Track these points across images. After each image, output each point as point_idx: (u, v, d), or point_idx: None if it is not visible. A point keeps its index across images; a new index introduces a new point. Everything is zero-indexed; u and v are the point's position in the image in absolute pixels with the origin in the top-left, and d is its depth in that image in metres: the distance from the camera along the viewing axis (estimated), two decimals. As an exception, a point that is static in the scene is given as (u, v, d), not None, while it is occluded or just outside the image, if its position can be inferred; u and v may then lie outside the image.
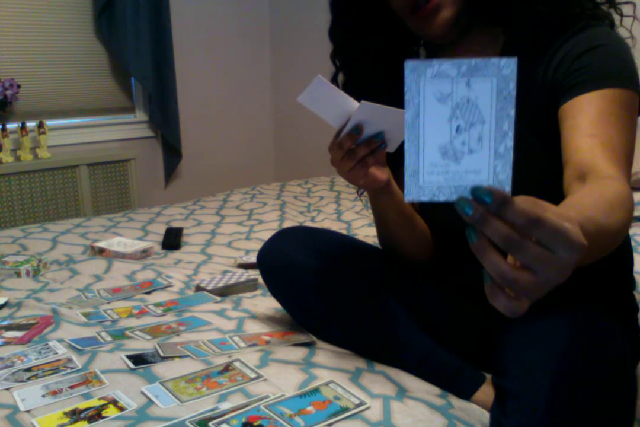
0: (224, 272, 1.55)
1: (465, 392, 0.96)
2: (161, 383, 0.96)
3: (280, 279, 1.11)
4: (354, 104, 0.86)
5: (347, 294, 1.05)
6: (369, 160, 0.89)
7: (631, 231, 1.37)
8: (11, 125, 2.83)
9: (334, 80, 1.07)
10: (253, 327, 1.20)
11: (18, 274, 1.56)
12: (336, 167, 0.91)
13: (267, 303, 1.34)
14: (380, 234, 1.11)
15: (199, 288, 1.44)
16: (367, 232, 1.90)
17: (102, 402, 0.91)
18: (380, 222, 1.07)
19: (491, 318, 0.99)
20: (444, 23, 0.91)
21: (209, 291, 1.41)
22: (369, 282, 1.06)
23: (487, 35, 0.96)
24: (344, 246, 1.13)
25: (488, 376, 0.98)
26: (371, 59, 1.03)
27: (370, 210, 2.20)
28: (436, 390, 0.97)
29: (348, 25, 1.03)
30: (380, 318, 1.04)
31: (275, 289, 1.15)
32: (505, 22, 0.93)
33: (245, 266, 1.63)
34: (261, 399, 0.90)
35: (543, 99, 0.88)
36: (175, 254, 1.79)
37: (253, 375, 0.98)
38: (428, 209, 1.06)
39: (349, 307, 1.05)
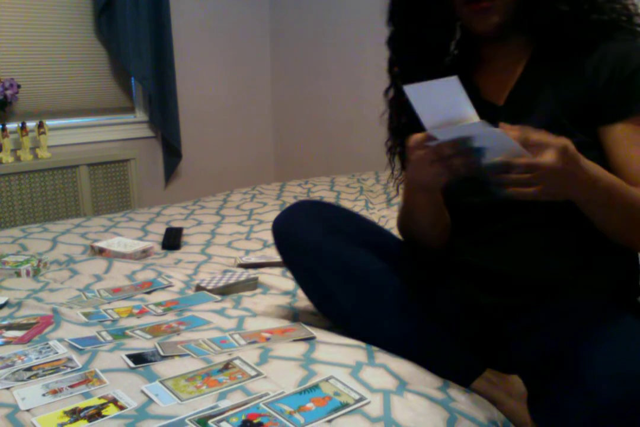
0: (224, 272, 1.55)
1: (466, 380, 0.97)
2: (161, 382, 0.96)
3: (294, 251, 1.13)
4: (472, 114, 0.82)
5: (354, 269, 1.06)
6: (458, 167, 0.85)
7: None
8: (11, 126, 2.83)
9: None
10: (253, 326, 1.20)
11: (18, 274, 1.56)
12: (416, 166, 0.89)
13: (267, 302, 1.34)
14: (405, 224, 1.14)
15: (199, 288, 1.44)
16: (367, 232, 1.90)
17: (102, 401, 0.91)
18: (411, 216, 1.09)
19: (498, 307, 1.00)
20: (490, 26, 0.96)
21: (209, 291, 1.41)
22: (379, 262, 1.07)
23: (521, 40, 1.02)
24: (359, 223, 1.16)
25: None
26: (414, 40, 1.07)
27: (369, 211, 2.20)
28: (437, 383, 0.97)
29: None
30: (383, 298, 1.04)
31: (289, 261, 1.16)
32: (541, 30, 0.99)
33: (246, 266, 1.63)
34: (261, 396, 0.90)
35: (586, 98, 0.95)
36: (175, 254, 1.79)
37: (253, 373, 0.98)
38: (452, 191, 1.06)
39: (355, 281, 1.06)
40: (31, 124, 2.86)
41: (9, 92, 2.76)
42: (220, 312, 1.28)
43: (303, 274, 1.15)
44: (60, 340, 1.14)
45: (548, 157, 0.75)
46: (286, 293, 1.41)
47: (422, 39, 1.05)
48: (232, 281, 1.44)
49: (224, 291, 1.42)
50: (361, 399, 0.89)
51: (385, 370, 0.99)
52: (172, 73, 3.24)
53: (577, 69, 0.97)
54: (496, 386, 0.98)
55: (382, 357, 1.03)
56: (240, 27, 3.64)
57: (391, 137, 1.15)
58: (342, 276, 1.07)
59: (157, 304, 1.34)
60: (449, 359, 1.02)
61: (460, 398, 0.94)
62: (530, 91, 1.01)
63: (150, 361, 1.03)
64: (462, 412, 0.90)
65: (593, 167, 0.82)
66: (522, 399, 0.95)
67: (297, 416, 0.85)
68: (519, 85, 1.02)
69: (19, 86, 2.80)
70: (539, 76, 1.01)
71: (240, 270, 1.56)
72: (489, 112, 0.99)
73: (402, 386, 0.95)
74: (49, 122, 2.95)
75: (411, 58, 1.07)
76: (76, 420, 0.86)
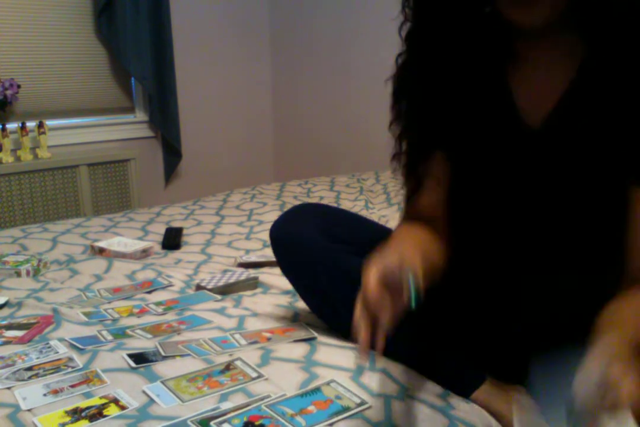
0: (225, 271, 1.55)
1: (466, 390, 0.96)
2: (162, 382, 0.96)
3: (292, 257, 1.11)
4: None
5: (352, 277, 1.04)
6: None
7: None
8: (11, 125, 2.83)
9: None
10: (254, 325, 1.20)
11: (18, 274, 1.56)
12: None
13: (267, 301, 1.34)
14: None
15: (199, 287, 1.44)
16: (367, 232, 1.90)
17: (103, 401, 0.91)
18: None
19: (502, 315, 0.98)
20: (537, 20, 0.77)
21: (210, 290, 1.41)
22: None
23: (571, 39, 0.82)
24: (359, 228, 1.12)
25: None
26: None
27: (369, 211, 2.20)
28: (437, 390, 0.97)
29: None
30: None
31: (285, 266, 1.15)
32: (597, 29, 0.79)
33: (246, 266, 1.63)
34: (262, 398, 0.90)
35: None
36: (175, 254, 1.79)
37: (254, 374, 0.98)
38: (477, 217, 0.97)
39: (352, 289, 1.04)
40: (31, 124, 2.86)
41: (9, 92, 2.75)
42: (221, 311, 1.28)
43: (299, 280, 1.14)
44: (61, 340, 1.13)
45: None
46: (286, 292, 1.41)
47: (446, 28, 0.85)
48: (232, 280, 1.44)
49: (224, 290, 1.42)
50: (362, 403, 0.89)
51: (386, 375, 0.99)
52: (172, 73, 3.24)
53: (637, 92, 0.77)
54: (497, 397, 0.95)
55: (383, 361, 1.03)
56: (240, 27, 3.64)
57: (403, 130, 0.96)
58: (339, 283, 1.05)
59: (158, 304, 1.34)
60: (447, 369, 0.99)
61: (461, 406, 0.93)
62: (575, 116, 0.82)
63: (151, 361, 1.03)
64: (462, 420, 0.89)
65: None
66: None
67: (298, 418, 0.85)
68: (562, 106, 0.83)
69: (19, 86, 2.80)
70: (588, 95, 0.81)
71: (240, 269, 1.56)
72: (522, 138, 0.85)
73: (403, 391, 0.94)
74: (49, 122, 2.95)
75: (433, 53, 0.88)
76: (77, 420, 0.86)
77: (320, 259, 1.06)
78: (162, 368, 1.01)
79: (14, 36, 2.87)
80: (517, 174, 0.89)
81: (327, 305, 1.11)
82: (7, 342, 1.14)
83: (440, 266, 0.91)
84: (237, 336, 1.12)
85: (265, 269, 1.59)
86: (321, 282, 1.07)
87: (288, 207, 2.31)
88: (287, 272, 1.17)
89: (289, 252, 1.11)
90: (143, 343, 1.11)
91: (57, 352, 1.08)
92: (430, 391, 0.96)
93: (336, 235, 1.07)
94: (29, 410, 0.89)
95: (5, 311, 1.31)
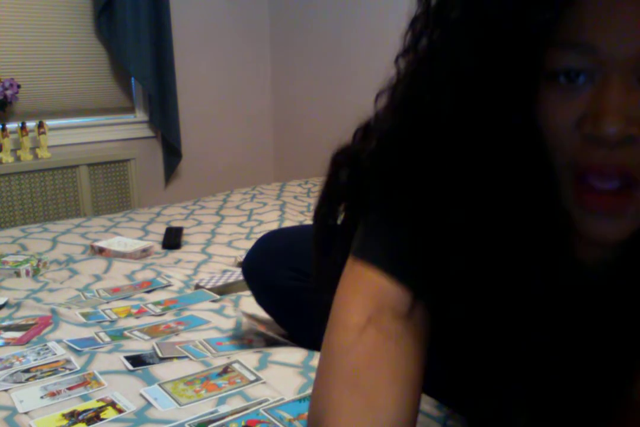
0: (224, 271, 1.54)
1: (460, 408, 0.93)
2: (160, 385, 0.95)
3: (264, 293, 1.11)
4: None
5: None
6: None
7: None
8: (11, 125, 2.82)
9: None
10: (251, 325, 1.19)
11: (18, 274, 1.56)
12: None
13: (266, 304, 1.34)
14: None
15: (198, 287, 1.43)
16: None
17: (101, 404, 0.90)
18: None
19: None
20: (619, 235, 0.52)
21: (208, 290, 1.40)
22: None
23: None
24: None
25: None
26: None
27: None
28: (434, 400, 0.96)
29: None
30: None
31: (260, 300, 1.14)
32: None
33: (245, 267, 1.62)
34: (260, 402, 0.90)
35: None
36: (175, 254, 1.79)
37: (252, 377, 0.97)
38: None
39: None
40: (31, 124, 2.85)
41: (9, 92, 2.75)
42: (219, 311, 1.28)
43: (275, 313, 1.13)
44: (59, 341, 1.13)
45: None
46: (286, 295, 1.40)
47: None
48: (231, 280, 1.44)
49: (223, 290, 1.41)
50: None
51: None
52: (172, 73, 3.23)
53: None
54: None
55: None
56: (240, 27, 3.64)
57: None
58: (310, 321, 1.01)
59: (156, 303, 1.34)
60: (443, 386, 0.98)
61: (457, 416, 0.92)
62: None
63: (149, 363, 1.03)
64: (458, 430, 0.89)
65: None
66: None
67: (296, 423, 0.84)
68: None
69: (19, 86, 2.79)
70: None
71: (239, 269, 1.55)
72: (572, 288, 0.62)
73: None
74: (49, 122, 2.94)
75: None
76: (75, 423, 0.86)
77: (292, 299, 1.03)
78: (160, 370, 1.00)
79: (14, 36, 2.86)
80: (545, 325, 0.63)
81: (305, 331, 1.08)
82: (6, 344, 1.13)
83: None
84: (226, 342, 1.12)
85: (265, 270, 1.58)
86: (295, 318, 1.07)
87: (288, 207, 2.32)
88: (260, 304, 1.15)
89: (261, 288, 1.10)
90: (141, 345, 1.11)
91: (55, 354, 1.08)
92: (427, 400, 0.95)
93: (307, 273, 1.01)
94: (26, 413, 0.89)
95: (4, 312, 1.31)
